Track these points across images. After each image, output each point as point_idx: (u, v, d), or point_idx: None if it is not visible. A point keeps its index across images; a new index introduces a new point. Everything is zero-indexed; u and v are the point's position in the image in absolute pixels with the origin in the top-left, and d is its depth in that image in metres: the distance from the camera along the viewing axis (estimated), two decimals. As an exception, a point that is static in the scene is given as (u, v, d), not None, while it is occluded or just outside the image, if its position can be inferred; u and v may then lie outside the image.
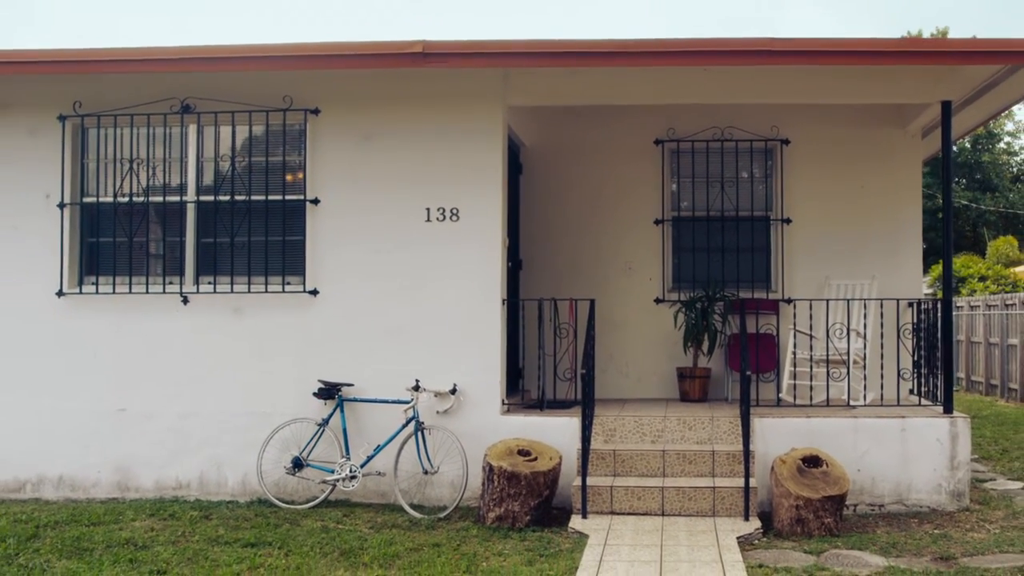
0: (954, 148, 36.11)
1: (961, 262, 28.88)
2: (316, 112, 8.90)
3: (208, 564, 6.42)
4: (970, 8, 70.22)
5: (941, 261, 28.77)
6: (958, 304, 22.43)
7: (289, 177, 9.13)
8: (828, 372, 9.41)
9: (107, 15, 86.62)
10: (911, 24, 70.04)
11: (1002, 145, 41.98)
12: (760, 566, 6.39)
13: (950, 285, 8.88)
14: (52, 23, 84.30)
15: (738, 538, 7.11)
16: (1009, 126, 41.65)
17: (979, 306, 20.71)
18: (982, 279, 27.03)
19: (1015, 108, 38.60)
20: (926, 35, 41.48)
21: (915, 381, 9.67)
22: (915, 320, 9.74)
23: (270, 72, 8.79)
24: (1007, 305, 18.86)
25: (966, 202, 37.49)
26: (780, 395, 9.65)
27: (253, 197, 9.02)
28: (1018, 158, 43.65)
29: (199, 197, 9.11)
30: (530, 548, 6.89)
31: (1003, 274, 27.24)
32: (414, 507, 8.19)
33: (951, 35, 41.25)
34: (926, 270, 30.43)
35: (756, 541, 7.22)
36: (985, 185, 39.25)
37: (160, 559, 6.53)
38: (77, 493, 8.80)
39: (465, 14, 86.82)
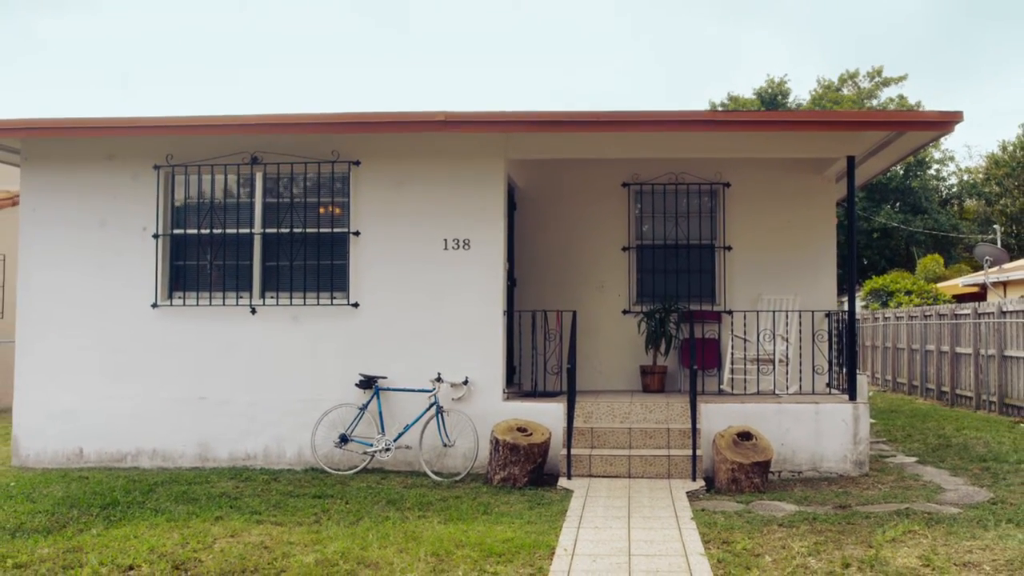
0: (888, 175, 37.97)
1: (891, 277, 30.36)
2: (358, 163, 10.32)
3: (291, 508, 7.99)
4: (907, 37, 72.45)
5: (874, 276, 30.24)
6: (886, 315, 23.82)
7: (329, 211, 10.50)
8: (759, 368, 10.95)
9: (105, 39, 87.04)
10: (850, 55, 71.92)
11: (931, 172, 43.67)
12: (703, 510, 7.95)
13: (853, 301, 10.41)
14: (53, 49, 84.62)
15: (687, 492, 8.60)
16: (937, 155, 43.37)
17: (903, 317, 22.02)
18: (908, 293, 28.45)
19: (942, 140, 40.43)
20: (863, 73, 43.48)
21: (829, 375, 11.22)
22: (829, 328, 11.33)
23: (322, 133, 10.22)
24: (926, 316, 20.15)
25: (897, 224, 39.12)
26: (721, 386, 11.21)
27: (307, 230, 10.41)
28: (946, 183, 45.45)
29: (264, 229, 10.48)
30: (529, 500, 8.42)
31: (926, 288, 28.68)
32: (435, 473, 9.70)
33: (886, 72, 43.30)
34: (860, 284, 32.02)
35: (701, 495, 8.71)
36: (916, 208, 40.78)
37: (252, 506, 8.07)
38: (167, 463, 10.24)
39: (472, 70, 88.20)
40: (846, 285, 13.11)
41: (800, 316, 11.33)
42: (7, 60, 79.73)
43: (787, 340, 11.21)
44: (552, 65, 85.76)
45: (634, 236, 12.34)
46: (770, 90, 45.46)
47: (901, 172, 40.64)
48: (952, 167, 45.81)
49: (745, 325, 11.31)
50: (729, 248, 12.13)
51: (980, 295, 27.70)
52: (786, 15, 76.51)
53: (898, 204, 41.27)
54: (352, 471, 9.83)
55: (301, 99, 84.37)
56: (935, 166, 43.90)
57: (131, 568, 6.10)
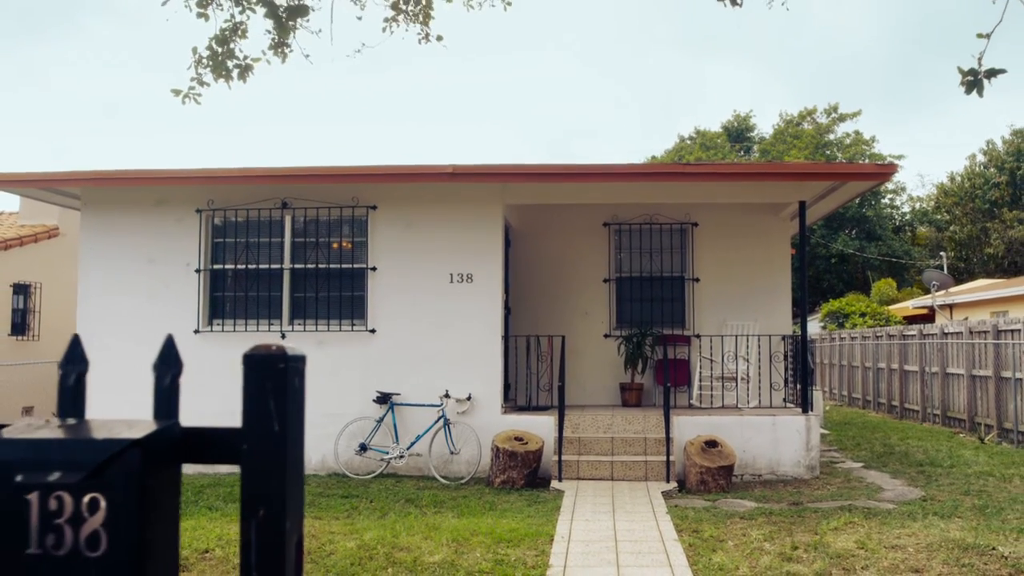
0: (844, 205, 39.03)
1: (847, 300, 31.32)
2: (374, 208, 11.25)
3: (324, 506, 8.94)
4: (866, 69, 74.18)
5: (831, 299, 31.09)
6: (842, 336, 24.79)
7: (350, 249, 11.36)
8: (724, 385, 11.92)
9: (104, 71, 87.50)
10: (812, 85, 73.48)
11: (885, 201, 44.92)
12: (676, 506, 8.93)
13: (806, 326, 11.41)
14: (54, 80, 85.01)
15: (663, 492, 9.55)
16: (890, 186, 44.64)
17: (857, 337, 22.98)
18: (863, 315, 29.43)
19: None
20: (820, 108, 44.85)
21: (785, 391, 12.23)
22: (785, 349, 12.33)
23: (344, 183, 11.12)
24: (877, 337, 21.13)
25: (853, 250, 40.27)
26: (691, 401, 12.15)
27: (330, 265, 11.29)
28: (899, 211, 46.74)
29: (293, 265, 11.36)
30: (527, 499, 9.38)
31: (879, 311, 29.61)
32: (443, 477, 10.62)
33: (841, 107, 44.68)
34: (815, 309, 33.12)
35: (674, 494, 9.65)
36: (871, 235, 41.86)
37: (290, 505, 9.06)
38: (207, 469, 10.97)
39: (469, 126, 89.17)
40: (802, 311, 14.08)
41: (760, 339, 12.29)
42: (8, 90, 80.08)
43: (748, 360, 12.15)
44: (538, 107, 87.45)
45: (614, 269, 13.22)
46: (736, 124, 46.78)
47: (857, 201, 41.68)
48: (905, 196, 47.13)
49: (712, 347, 12.25)
50: (697, 280, 13.06)
51: (929, 316, 28.64)
52: (751, 49, 78.26)
53: (854, 231, 42.26)
54: (370, 475, 10.74)
55: (294, 130, 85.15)
56: (888, 195, 45.14)
57: (207, 551, 7.10)
